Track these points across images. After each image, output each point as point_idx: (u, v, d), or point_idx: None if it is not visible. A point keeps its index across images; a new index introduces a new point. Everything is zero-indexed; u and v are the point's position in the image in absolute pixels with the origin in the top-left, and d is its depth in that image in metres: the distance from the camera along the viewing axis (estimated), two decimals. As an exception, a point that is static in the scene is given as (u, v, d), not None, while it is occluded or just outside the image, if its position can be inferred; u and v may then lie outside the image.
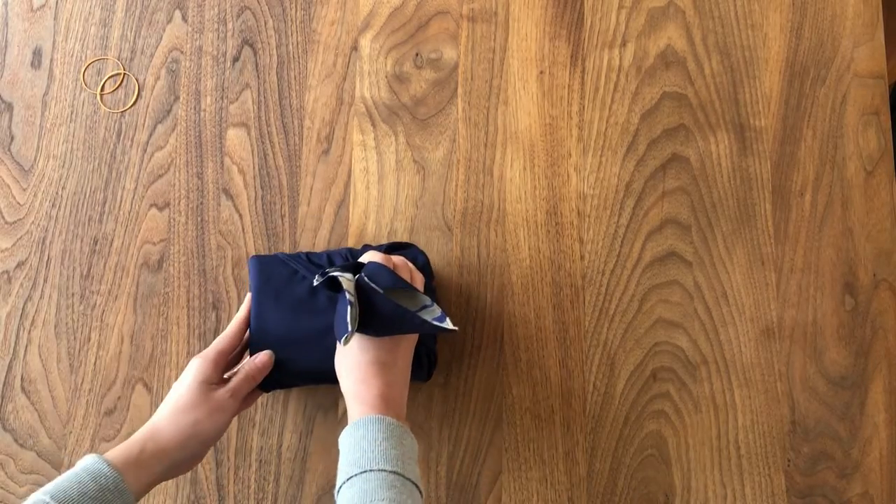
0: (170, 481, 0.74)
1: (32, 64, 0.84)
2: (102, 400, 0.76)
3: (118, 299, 0.78)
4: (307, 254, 0.73)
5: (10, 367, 0.77)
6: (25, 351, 0.77)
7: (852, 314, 0.76)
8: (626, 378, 0.75)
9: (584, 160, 0.79)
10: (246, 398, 0.66)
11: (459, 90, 0.81)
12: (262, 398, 0.75)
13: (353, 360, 0.63)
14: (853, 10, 0.81)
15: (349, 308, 0.58)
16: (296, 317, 0.68)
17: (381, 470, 0.55)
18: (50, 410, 0.77)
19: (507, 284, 0.77)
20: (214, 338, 0.77)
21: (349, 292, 0.59)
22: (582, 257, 0.77)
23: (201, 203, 0.80)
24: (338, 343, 0.64)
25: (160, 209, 0.80)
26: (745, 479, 0.73)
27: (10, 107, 0.83)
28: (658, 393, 0.75)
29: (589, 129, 0.80)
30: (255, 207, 0.79)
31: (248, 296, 0.69)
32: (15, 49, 0.84)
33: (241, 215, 0.79)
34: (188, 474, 0.74)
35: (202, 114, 0.81)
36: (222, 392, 0.62)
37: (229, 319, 0.77)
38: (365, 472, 0.55)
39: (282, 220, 0.79)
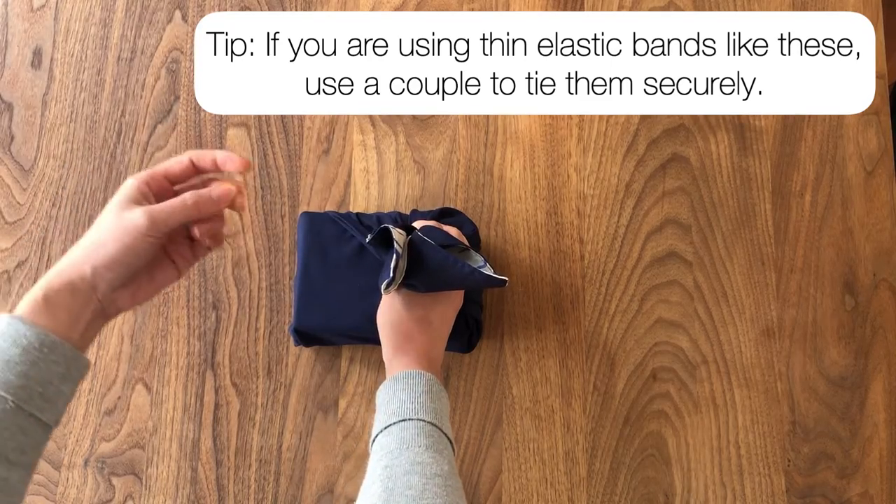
0: (170, 481, 0.74)
1: (32, 64, 0.84)
2: (102, 400, 0.76)
3: (118, 299, 0.78)
4: (357, 214, 0.75)
5: (10, 367, 0.77)
6: (25, 351, 0.77)
7: (852, 314, 0.76)
8: (626, 378, 0.75)
9: (584, 160, 0.79)
10: (182, 245, 0.55)
11: (459, 90, 0.81)
12: (261, 398, 0.75)
13: (398, 314, 0.64)
14: (853, 10, 0.81)
15: (394, 257, 0.60)
16: (342, 275, 0.71)
17: (420, 419, 0.55)
18: (50, 410, 0.77)
19: (507, 284, 0.77)
20: (214, 338, 0.77)
21: (398, 243, 0.61)
22: (582, 257, 0.77)
23: (201, 203, 0.80)
24: (383, 296, 0.66)
25: (160, 209, 0.80)
26: (745, 479, 0.73)
27: (10, 107, 0.83)
28: (658, 393, 0.75)
29: (589, 129, 0.80)
30: (255, 207, 0.79)
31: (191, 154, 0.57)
32: (15, 49, 0.84)
33: (241, 215, 0.79)
34: (188, 474, 0.74)
35: (202, 114, 0.81)
36: (137, 209, 0.50)
37: (229, 319, 0.77)
38: (403, 420, 0.55)
39: (282, 220, 0.79)
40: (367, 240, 0.65)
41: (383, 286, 0.60)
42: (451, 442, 0.57)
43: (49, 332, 0.47)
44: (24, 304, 0.48)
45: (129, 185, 0.52)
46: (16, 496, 0.46)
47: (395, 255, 0.60)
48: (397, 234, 0.62)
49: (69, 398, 0.49)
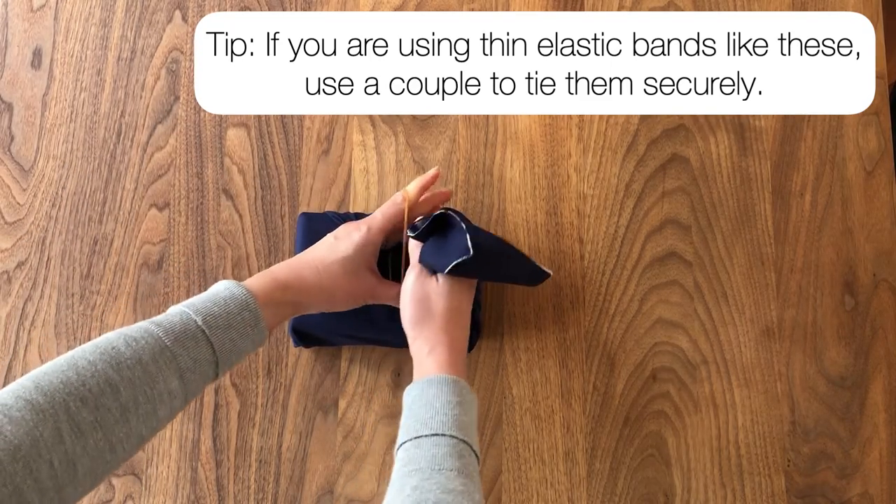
0: (170, 481, 0.74)
1: (32, 64, 0.84)
2: (102, 400, 0.76)
3: (118, 299, 0.78)
4: (357, 214, 0.75)
5: (9, 368, 0.77)
6: (25, 351, 0.77)
7: (852, 314, 0.76)
8: (626, 378, 0.75)
9: (584, 160, 0.79)
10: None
11: (459, 90, 0.81)
12: (261, 398, 0.75)
13: (435, 305, 0.63)
14: (853, 10, 0.81)
15: (467, 236, 0.61)
16: None
17: (453, 436, 0.54)
18: (50, 410, 0.76)
19: (508, 285, 0.77)
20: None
21: (463, 223, 0.62)
22: (582, 257, 0.77)
23: (201, 203, 0.80)
24: (426, 277, 0.65)
25: (160, 209, 0.80)
26: (745, 479, 0.73)
27: (10, 107, 0.83)
28: (658, 393, 0.75)
29: (589, 129, 0.80)
30: (255, 207, 0.79)
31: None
32: (15, 49, 0.84)
33: (241, 215, 0.79)
34: (188, 474, 0.74)
35: (202, 114, 0.81)
36: (374, 281, 0.65)
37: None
38: (437, 435, 0.54)
39: (282, 220, 0.79)
40: (417, 232, 0.66)
41: (452, 266, 0.60)
42: (477, 457, 0.56)
43: (263, 321, 0.56)
44: (261, 290, 0.57)
45: (368, 238, 0.65)
46: (164, 421, 0.51)
47: (466, 235, 0.61)
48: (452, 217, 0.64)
49: (240, 359, 0.56)
